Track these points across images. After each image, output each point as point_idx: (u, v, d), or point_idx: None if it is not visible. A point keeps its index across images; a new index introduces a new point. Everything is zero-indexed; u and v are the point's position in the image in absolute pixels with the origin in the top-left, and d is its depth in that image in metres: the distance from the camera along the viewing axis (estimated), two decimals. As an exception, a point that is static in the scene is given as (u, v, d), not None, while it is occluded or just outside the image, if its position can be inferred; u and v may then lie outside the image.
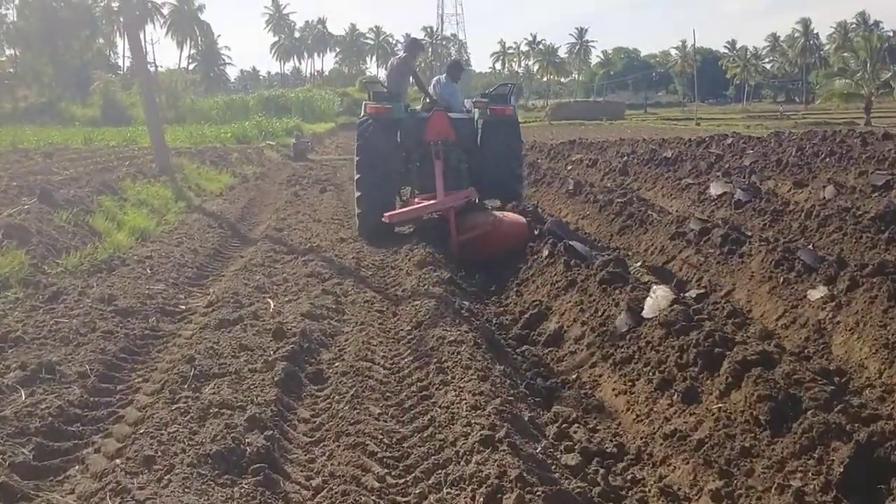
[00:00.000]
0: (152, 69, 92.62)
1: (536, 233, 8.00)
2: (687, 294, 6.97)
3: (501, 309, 6.76)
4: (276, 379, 4.41)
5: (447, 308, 5.64)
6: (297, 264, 7.76)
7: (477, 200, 8.73)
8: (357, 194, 9.38)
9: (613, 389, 4.58)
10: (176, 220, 10.83)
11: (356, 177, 9.42)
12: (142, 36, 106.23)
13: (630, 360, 4.72)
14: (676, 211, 11.72)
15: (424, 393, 4.28)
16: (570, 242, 6.93)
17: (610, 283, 5.81)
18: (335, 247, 8.76)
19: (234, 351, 4.99)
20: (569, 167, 19.49)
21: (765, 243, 7.06)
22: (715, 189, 11.55)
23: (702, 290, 6.97)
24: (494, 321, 6.19)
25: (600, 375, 4.85)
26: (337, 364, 4.91)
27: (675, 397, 4.07)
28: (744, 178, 14.05)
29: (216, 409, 3.98)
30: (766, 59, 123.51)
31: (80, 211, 9.05)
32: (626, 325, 5.07)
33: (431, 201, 8.49)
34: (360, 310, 6.15)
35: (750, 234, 8.27)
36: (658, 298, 5.11)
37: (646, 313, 5.05)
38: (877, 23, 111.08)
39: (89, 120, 53.23)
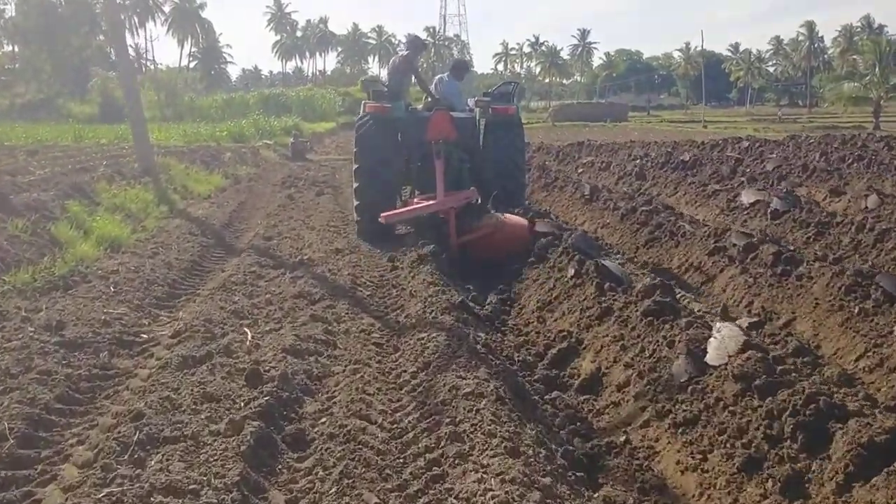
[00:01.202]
0: (152, 66, 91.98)
1: (560, 249, 6.99)
2: (741, 323, 6.01)
3: (521, 339, 5.74)
4: (242, 448, 3.40)
5: (460, 344, 4.63)
6: (285, 281, 6.75)
7: (479, 201, 8.38)
8: (355, 195, 9.13)
9: (678, 463, 3.57)
10: (155, 226, 9.82)
11: (354, 177, 9.15)
12: (142, 33, 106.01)
13: (696, 422, 3.71)
14: (703, 219, 10.74)
15: (435, 471, 3.27)
16: (603, 262, 5.91)
17: (657, 315, 4.80)
18: (329, 260, 7.75)
19: (196, 402, 3.98)
20: (579, 170, 18.49)
21: (828, 265, 6.06)
22: (747, 197, 10.54)
23: (755, 318, 5.97)
24: (515, 357, 5.18)
25: (657, 439, 3.84)
26: (323, 420, 3.91)
27: (769, 485, 3.06)
28: (771, 184, 13.07)
29: (159, 498, 2.98)
30: (770, 63, 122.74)
31: (41, 218, 8.04)
32: (685, 372, 4.06)
33: (430, 202, 8.15)
34: (355, 343, 5.13)
35: (795, 250, 7.28)
36: (724, 339, 4.11)
37: (711, 358, 4.05)
38: (881, 26, 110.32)
39: (87, 117, 52.43)
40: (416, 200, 8.76)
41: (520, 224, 7.99)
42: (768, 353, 3.95)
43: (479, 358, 4.48)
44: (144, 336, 5.43)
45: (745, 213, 10.23)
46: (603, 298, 5.55)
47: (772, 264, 6.53)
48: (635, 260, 8.59)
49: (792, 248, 7.64)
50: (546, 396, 4.54)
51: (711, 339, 4.17)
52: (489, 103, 9.41)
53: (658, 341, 4.53)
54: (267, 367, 4.48)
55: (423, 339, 4.88)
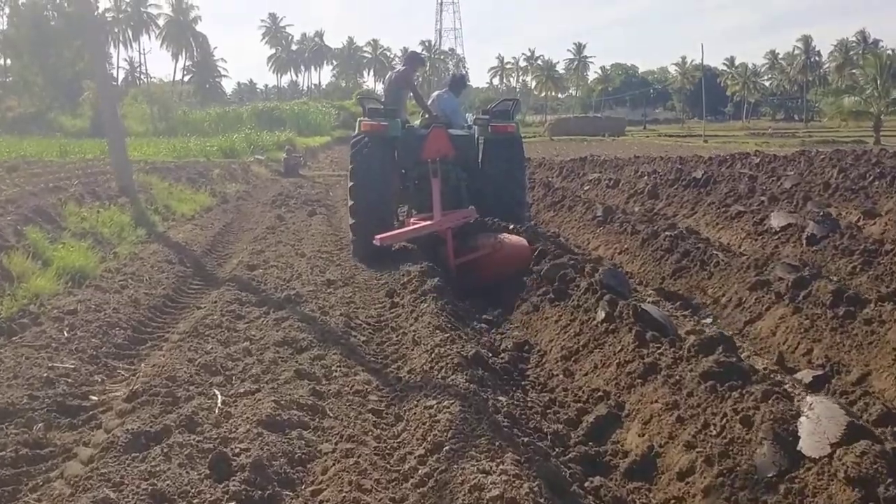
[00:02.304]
0: (145, 80, 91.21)
1: (583, 284, 6.09)
2: (799, 377, 5.11)
3: (547, 398, 4.82)
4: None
5: (479, 418, 3.71)
6: (268, 323, 5.83)
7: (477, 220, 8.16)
8: (351, 214, 8.96)
9: None
10: (128, 253, 8.90)
11: (350, 199, 8.99)
12: (135, 46, 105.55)
13: (799, 541, 2.80)
14: (729, 243, 9.88)
15: None
16: (643, 306, 5.01)
17: (721, 379, 3.89)
18: (319, 294, 6.84)
19: (141, 505, 3.06)
20: (585, 187, 17.66)
21: (903, 307, 5.18)
22: (777, 220, 9.67)
23: (818, 372, 5.09)
24: (544, 426, 4.26)
25: (744, 561, 2.93)
26: (307, 533, 2.99)
27: None
28: (796, 204, 12.20)
29: None
30: (765, 77, 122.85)
31: (-7, 247, 7.13)
32: (773, 465, 3.16)
33: (427, 222, 7.96)
34: (348, 410, 4.21)
35: (847, 284, 6.40)
36: (821, 420, 3.20)
37: (807, 447, 3.14)
38: (876, 41, 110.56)
39: (78, 131, 51.84)
40: (412, 221, 8.47)
41: (520, 244, 7.63)
42: (883, 442, 3.05)
43: (502, 436, 3.57)
44: (94, 398, 4.50)
45: (776, 237, 9.36)
46: (645, 351, 4.64)
47: (831, 304, 5.64)
48: (662, 292, 7.71)
49: (835, 278, 6.78)
50: (587, 484, 3.62)
51: (802, 419, 3.27)
52: (488, 121, 9.21)
53: (726, 415, 3.62)
54: (237, 449, 3.56)
55: (431, 407, 3.97)
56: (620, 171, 20.41)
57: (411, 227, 8.05)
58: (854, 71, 61.38)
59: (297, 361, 4.91)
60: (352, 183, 8.87)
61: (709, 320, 6.71)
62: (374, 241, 7.44)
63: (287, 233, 11.09)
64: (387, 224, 8.52)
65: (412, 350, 5.16)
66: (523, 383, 5.10)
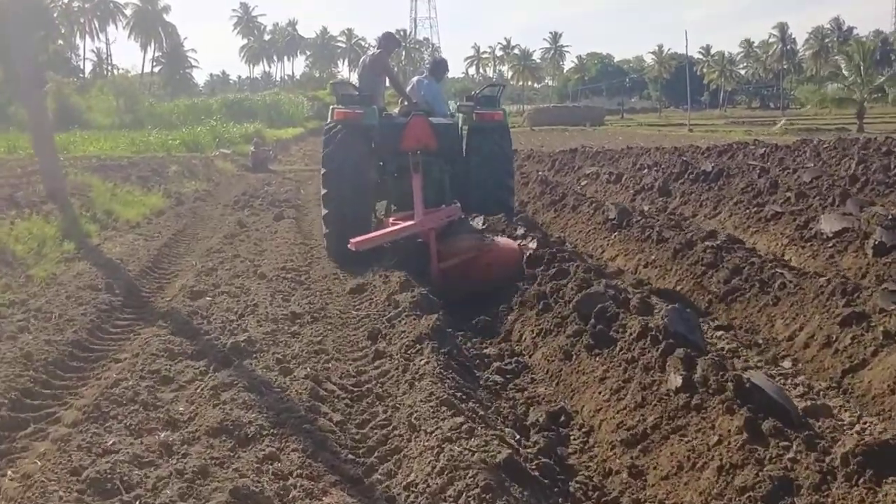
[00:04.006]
0: (114, 71, 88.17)
1: (636, 328, 4.50)
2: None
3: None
4: None
5: None
6: (202, 393, 4.16)
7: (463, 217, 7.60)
8: (325, 212, 8.37)
9: None
10: (45, 276, 7.14)
11: (323, 192, 8.34)
12: (103, 36, 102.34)
13: None
14: (769, 250, 8.39)
15: None
16: (752, 378, 3.41)
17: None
18: (280, 337, 5.19)
19: None
20: (583, 182, 16.12)
21: None
22: (829, 223, 8.15)
23: None
24: None
25: None
26: None
27: None
28: (833, 201, 10.72)
29: None
30: (740, 65, 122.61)
31: None
32: None
33: (407, 223, 7.22)
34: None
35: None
36: None
37: None
38: (850, 28, 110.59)
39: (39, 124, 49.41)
40: (391, 220, 7.77)
41: (509, 246, 7.03)
42: None
43: None
44: None
45: (830, 246, 7.86)
46: (762, 451, 3.07)
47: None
48: (711, 320, 6.18)
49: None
50: None
51: None
52: (473, 108, 8.69)
53: None
54: None
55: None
56: (617, 164, 18.90)
57: (389, 230, 7.29)
58: (836, 58, 60.77)
59: (237, 469, 3.27)
60: (324, 175, 8.28)
61: (787, 364, 5.19)
62: (349, 246, 6.86)
63: (248, 243, 9.39)
64: (364, 221, 8.06)
65: (409, 442, 3.54)
66: (570, 485, 3.50)
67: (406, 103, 9.27)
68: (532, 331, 5.59)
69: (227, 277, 7.24)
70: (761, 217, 9.55)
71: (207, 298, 6.43)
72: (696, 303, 6.68)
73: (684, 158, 16.51)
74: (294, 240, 9.67)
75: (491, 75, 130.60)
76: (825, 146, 21.59)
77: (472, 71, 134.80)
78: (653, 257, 8.05)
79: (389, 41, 9.90)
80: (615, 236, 9.28)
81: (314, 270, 7.87)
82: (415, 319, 5.24)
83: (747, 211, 10.05)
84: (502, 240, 7.16)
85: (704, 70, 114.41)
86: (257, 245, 9.20)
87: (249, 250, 8.80)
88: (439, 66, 10.06)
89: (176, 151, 23.68)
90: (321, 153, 8.60)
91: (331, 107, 8.91)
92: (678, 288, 7.16)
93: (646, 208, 12.03)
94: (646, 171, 16.74)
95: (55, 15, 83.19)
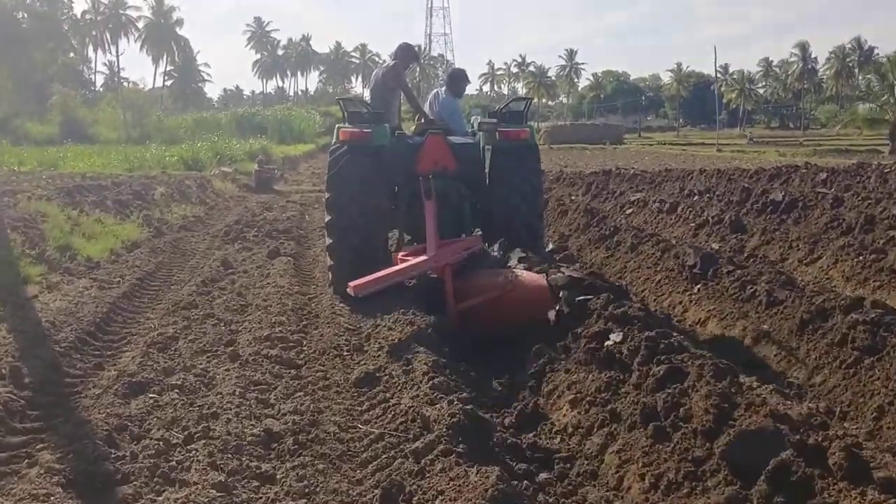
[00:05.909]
0: (126, 84, 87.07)
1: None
2: None
3: None
4: None
5: None
6: None
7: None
8: (328, 241, 7.60)
9: None
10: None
11: (327, 219, 7.64)
12: (114, 49, 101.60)
13: None
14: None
15: None
16: None
17: None
18: (238, 491, 3.15)
19: None
20: (627, 210, 14.06)
21: None
22: None
23: None
24: None
25: None
26: None
27: None
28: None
29: None
30: (759, 85, 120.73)
31: None
32: None
33: (418, 259, 6.48)
34: None
35: None
36: None
37: None
38: (872, 48, 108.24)
39: (46, 138, 48.37)
40: (401, 256, 7.09)
41: (537, 284, 5.96)
42: None
43: None
44: None
45: None
46: None
47: None
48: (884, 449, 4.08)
49: None
50: None
51: None
52: (497, 125, 7.77)
53: None
54: None
55: None
56: (660, 188, 16.85)
57: (396, 269, 6.45)
58: (868, 77, 58.95)
59: None
60: (328, 200, 7.56)
61: None
62: (349, 291, 6.11)
63: (229, 293, 7.39)
64: (373, 252, 7.31)
65: None
66: None
67: (422, 121, 8.51)
68: (645, 477, 3.52)
69: (188, 355, 5.23)
70: (885, 269, 7.43)
71: (150, 396, 4.42)
72: (848, 405, 4.59)
73: (745, 185, 14.40)
74: (289, 288, 7.67)
75: (506, 92, 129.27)
76: (887, 170, 19.46)
77: (486, 88, 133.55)
78: (764, 324, 5.96)
79: (407, 53, 8.72)
80: (699, 290, 7.19)
81: (310, 341, 5.84)
82: (457, 466, 3.19)
83: (860, 259, 7.92)
84: (529, 275, 6.16)
85: (723, 89, 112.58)
86: (240, 298, 7.19)
87: (228, 306, 6.79)
88: (458, 80, 8.89)
89: (173, 169, 21.82)
90: (325, 176, 7.80)
91: (336, 126, 7.98)
92: (812, 376, 5.08)
93: (715, 246, 9.97)
94: (697, 197, 14.72)
95: (66, 28, 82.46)
